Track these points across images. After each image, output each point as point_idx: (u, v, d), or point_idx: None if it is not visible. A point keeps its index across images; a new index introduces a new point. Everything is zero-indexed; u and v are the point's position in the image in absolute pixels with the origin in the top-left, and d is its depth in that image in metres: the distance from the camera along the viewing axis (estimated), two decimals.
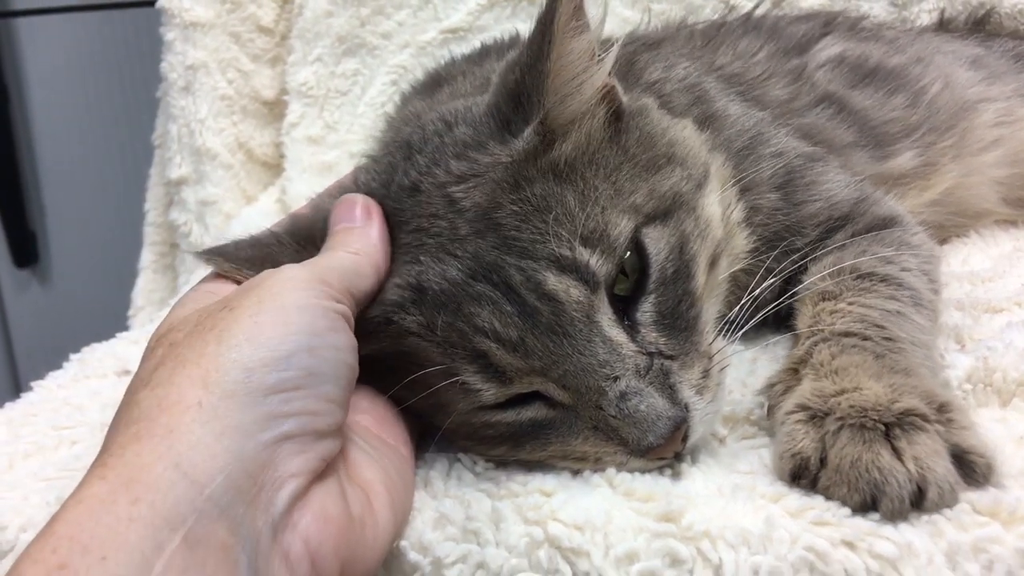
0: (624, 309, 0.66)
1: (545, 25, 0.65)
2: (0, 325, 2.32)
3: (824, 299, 0.76)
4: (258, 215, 1.48)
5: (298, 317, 0.56)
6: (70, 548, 0.42)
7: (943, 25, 1.44)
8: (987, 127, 1.16)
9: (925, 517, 0.56)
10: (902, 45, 1.23)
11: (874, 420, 0.59)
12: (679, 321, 0.67)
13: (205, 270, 0.71)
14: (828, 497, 0.58)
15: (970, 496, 0.57)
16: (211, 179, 1.53)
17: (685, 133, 0.79)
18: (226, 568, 0.45)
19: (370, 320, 0.67)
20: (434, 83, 1.00)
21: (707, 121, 0.87)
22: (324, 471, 0.55)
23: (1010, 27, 1.45)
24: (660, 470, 0.65)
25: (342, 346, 0.58)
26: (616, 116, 0.73)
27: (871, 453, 0.57)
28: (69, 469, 0.74)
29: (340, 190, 0.78)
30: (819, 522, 0.56)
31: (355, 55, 1.60)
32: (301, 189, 1.47)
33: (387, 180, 0.73)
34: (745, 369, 0.80)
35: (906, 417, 0.59)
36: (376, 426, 0.66)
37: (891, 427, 0.59)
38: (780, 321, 0.81)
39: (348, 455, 0.59)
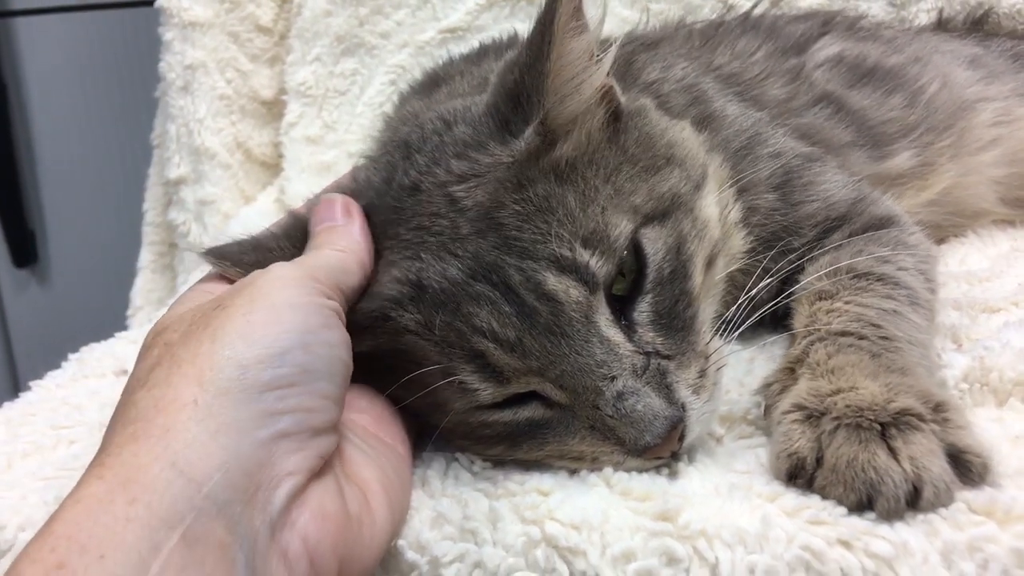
0: (621, 309, 0.66)
1: (545, 25, 0.65)
2: None
3: (821, 298, 0.77)
4: (257, 215, 1.48)
5: (291, 315, 0.56)
6: (68, 547, 0.42)
7: (941, 25, 1.44)
8: (985, 127, 1.16)
9: (921, 516, 0.56)
10: (900, 45, 1.23)
11: (870, 420, 0.59)
12: (676, 321, 0.67)
13: (204, 270, 0.71)
14: (824, 497, 0.58)
15: (966, 495, 0.57)
16: (210, 179, 1.53)
17: (684, 134, 0.79)
18: (224, 566, 0.45)
19: (367, 314, 0.67)
20: (432, 83, 1.00)
21: (705, 121, 0.87)
22: (321, 469, 0.55)
23: (1008, 27, 1.45)
24: (657, 469, 0.65)
25: (335, 342, 0.59)
26: (615, 116, 0.73)
27: (867, 453, 0.57)
28: (67, 468, 0.74)
29: (338, 190, 0.78)
30: (815, 521, 0.56)
31: (354, 55, 1.60)
32: (299, 189, 1.47)
33: (387, 179, 0.73)
34: (742, 369, 0.80)
35: (902, 417, 0.59)
36: (374, 425, 0.66)
37: (887, 427, 0.59)
38: (777, 321, 0.81)
39: (345, 454, 0.59)
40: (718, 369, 0.69)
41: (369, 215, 0.72)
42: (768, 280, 0.77)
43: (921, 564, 0.53)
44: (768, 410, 0.69)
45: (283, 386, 0.53)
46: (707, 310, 0.73)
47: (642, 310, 0.67)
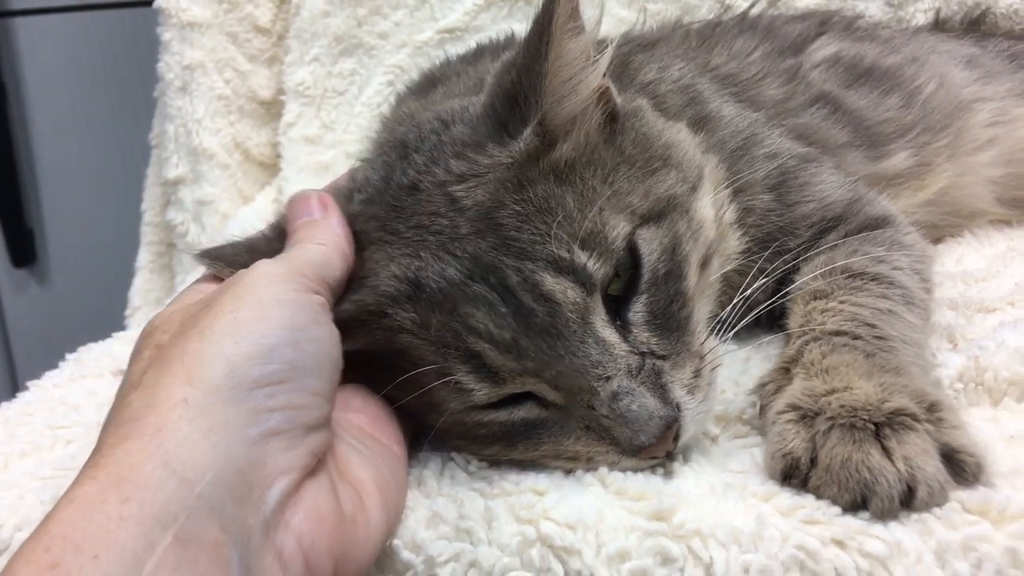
0: (616, 309, 0.66)
1: (543, 26, 0.65)
2: None
3: (815, 298, 0.77)
4: (255, 215, 1.48)
5: (278, 311, 0.56)
6: (63, 547, 0.42)
7: (939, 25, 1.44)
8: (982, 127, 1.16)
9: (915, 516, 0.56)
10: (897, 45, 1.23)
11: (864, 420, 0.59)
12: (671, 321, 0.67)
13: (202, 270, 0.71)
14: (819, 496, 0.58)
15: (960, 495, 0.57)
16: (208, 179, 1.53)
17: (680, 136, 0.79)
18: (218, 566, 0.45)
19: (364, 308, 0.67)
20: (429, 84, 1.01)
21: (701, 122, 0.87)
22: (315, 469, 0.55)
23: (1005, 27, 1.45)
24: (652, 469, 0.65)
25: (324, 338, 0.58)
26: (611, 118, 0.73)
27: (861, 453, 0.57)
28: (64, 468, 0.74)
29: (335, 191, 0.78)
30: (810, 521, 0.56)
31: (352, 55, 1.60)
32: (298, 189, 1.46)
33: (385, 177, 0.73)
34: (738, 368, 0.80)
35: (896, 417, 0.59)
36: (369, 425, 0.66)
37: (881, 427, 0.59)
38: (773, 320, 0.81)
39: (340, 454, 0.59)
40: (713, 369, 0.69)
41: (368, 212, 0.71)
42: (763, 280, 0.78)
43: (915, 563, 0.53)
44: (763, 410, 0.69)
45: (272, 383, 0.53)
46: (702, 310, 0.73)
47: (637, 310, 0.67)
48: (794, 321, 0.76)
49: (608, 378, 0.63)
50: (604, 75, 0.73)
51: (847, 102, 1.07)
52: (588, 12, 0.70)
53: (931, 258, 0.91)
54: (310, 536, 0.52)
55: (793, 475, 0.60)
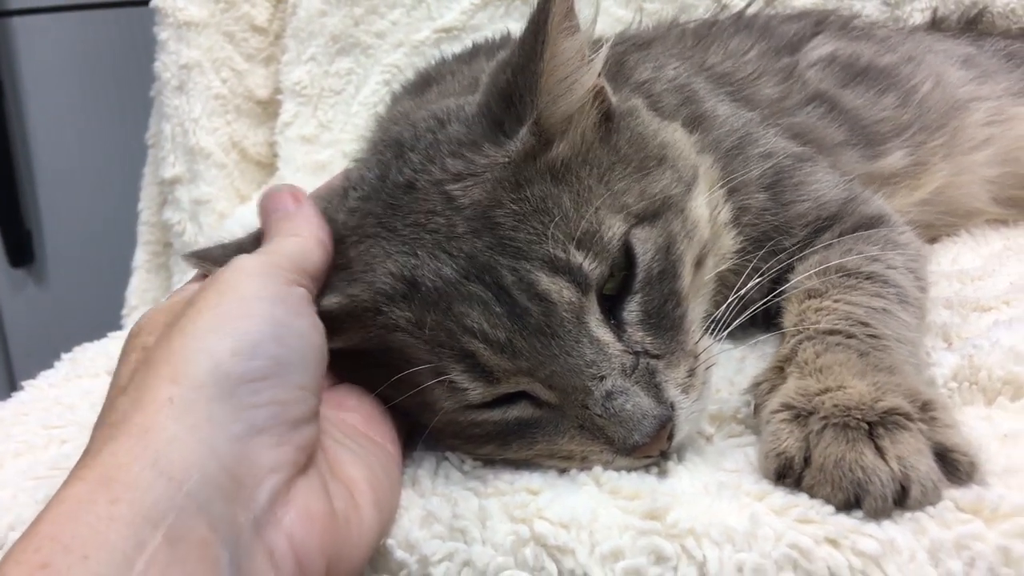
0: (610, 308, 0.66)
1: (538, 25, 0.65)
2: None
3: (810, 297, 0.77)
4: (252, 214, 1.45)
5: (260, 306, 0.56)
6: (52, 548, 0.42)
7: (935, 24, 1.44)
8: (978, 126, 1.17)
9: (908, 515, 0.56)
10: (893, 44, 1.23)
11: (857, 419, 0.59)
12: (665, 320, 0.67)
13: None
14: (812, 495, 0.58)
15: (953, 494, 0.57)
16: (205, 178, 1.53)
17: (676, 135, 0.79)
18: (208, 564, 0.45)
19: (358, 303, 0.67)
20: (424, 83, 1.01)
21: (696, 121, 0.87)
22: (306, 467, 0.55)
23: (1002, 26, 1.45)
24: (646, 468, 0.65)
25: (307, 331, 0.58)
26: (606, 117, 0.73)
27: (854, 452, 0.57)
28: (59, 468, 0.74)
29: (329, 191, 0.78)
30: (803, 520, 0.56)
31: (349, 54, 1.60)
32: None
33: (381, 176, 0.72)
34: (733, 368, 0.80)
35: (889, 416, 0.59)
36: (363, 424, 0.66)
37: (874, 426, 0.59)
38: (769, 320, 0.81)
39: (332, 453, 0.59)
40: (707, 368, 0.69)
41: (364, 208, 0.71)
42: (758, 279, 0.78)
43: (908, 562, 0.53)
44: (757, 409, 0.69)
45: (256, 379, 0.53)
46: (696, 309, 0.73)
47: (631, 310, 0.67)
48: (788, 320, 0.76)
49: (602, 377, 0.63)
50: (599, 74, 0.73)
51: (843, 101, 1.07)
52: (584, 12, 0.70)
53: (925, 257, 0.91)
54: (301, 535, 0.51)
55: (787, 474, 0.60)
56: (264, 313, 0.56)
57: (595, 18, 0.72)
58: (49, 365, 1.04)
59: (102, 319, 1.50)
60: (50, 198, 2.23)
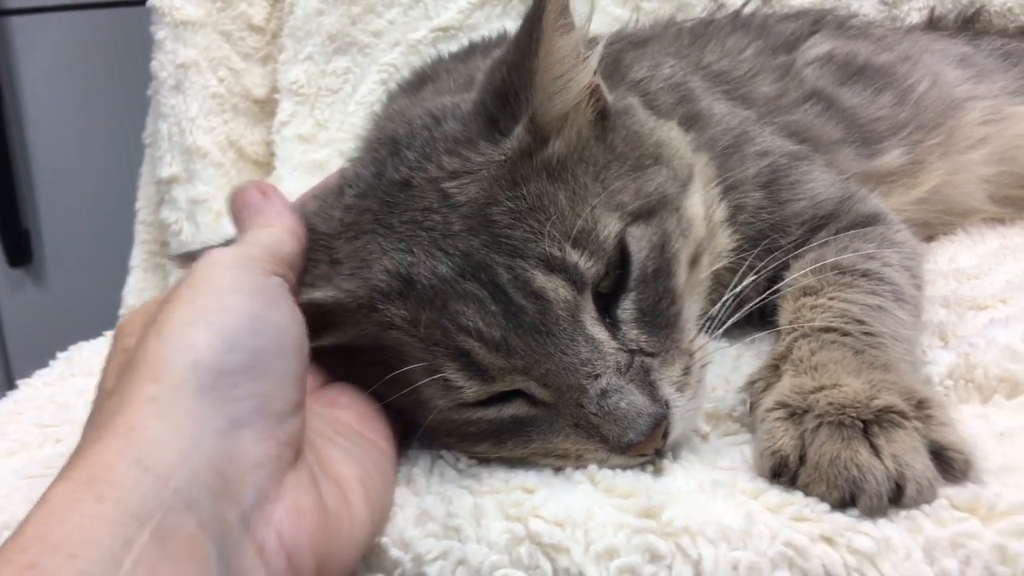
0: (605, 306, 0.66)
1: (533, 23, 0.65)
2: None
3: (805, 295, 0.77)
4: None
5: (234, 299, 0.55)
6: (39, 548, 0.42)
7: (933, 23, 1.45)
8: (974, 125, 1.17)
9: (903, 513, 0.56)
10: (890, 43, 1.23)
11: (852, 417, 0.59)
12: (660, 319, 0.67)
13: None
14: (808, 494, 0.58)
15: (949, 492, 0.57)
16: (202, 177, 1.53)
17: (671, 134, 0.79)
18: (196, 561, 0.45)
19: (353, 298, 0.66)
20: (420, 81, 1.01)
21: (692, 120, 0.87)
22: (295, 463, 0.55)
23: (999, 25, 1.45)
24: (642, 466, 0.65)
25: (284, 322, 0.57)
26: (602, 115, 0.73)
27: (849, 451, 0.57)
28: (53, 467, 0.72)
29: (324, 190, 0.78)
30: (798, 518, 0.56)
31: (346, 53, 1.60)
32: (292, 187, 1.46)
33: (376, 173, 0.72)
34: (729, 366, 0.80)
35: (884, 414, 0.59)
36: (357, 422, 0.65)
37: (869, 424, 0.59)
38: (764, 318, 0.81)
39: (322, 451, 0.59)
40: (703, 366, 0.69)
41: (360, 205, 0.71)
42: (754, 277, 0.78)
43: (903, 560, 0.53)
44: (753, 407, 0.69)
45: (236, 372, 0.52)
46: (692, 308, 0.73)
47: (626, 308, 0.67)
48: (784, 318, 0.76)
49: (597, 376, 0.63)
50: (595, 72, 0.73)
51: (840, 99, 1.07)
52: (580, 10, 0.70)
53: (921, 255, 0.91)
54: (292, 531, 0.51)
55: (782, 473, 0.60)
56: (240, 305, 0.55)
57: (590, 15, 0.72)
58: (47, 365, 1.04)
59: (100, 318, 1.49)
60: (48, 198, 2.23)
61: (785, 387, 0.65)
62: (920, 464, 0.57)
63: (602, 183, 0.68)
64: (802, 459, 0.59)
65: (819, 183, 0.90)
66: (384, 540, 0.60)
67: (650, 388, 0.63)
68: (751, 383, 0.72)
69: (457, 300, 0.64)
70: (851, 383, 0.62)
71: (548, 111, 0.68)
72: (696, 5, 1.51)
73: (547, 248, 0.63)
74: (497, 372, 0.64)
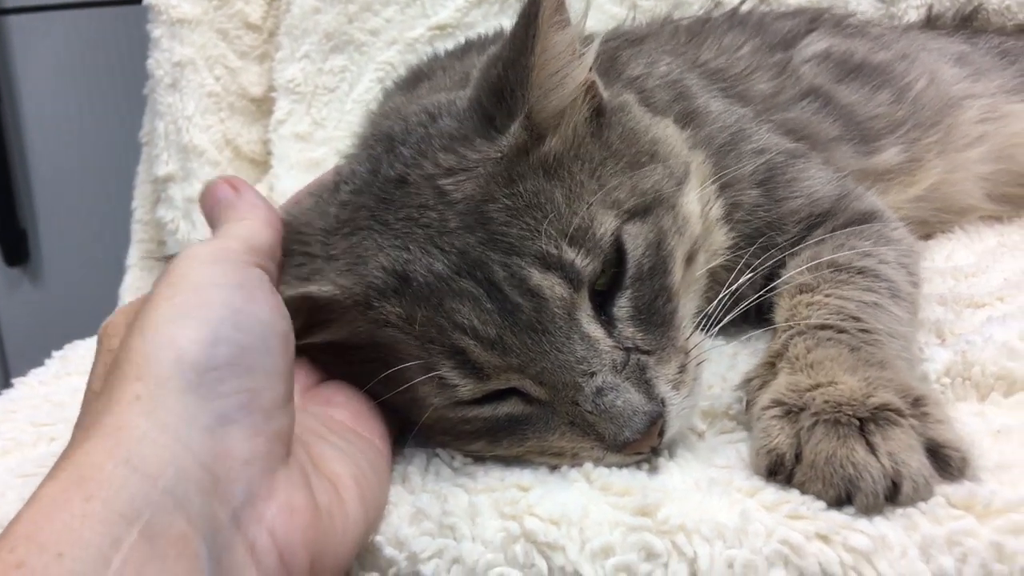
0: (601, 304, 0.66)
1: (529, 19, 0.65)
2: None
3: (801, 292, 0.76)
4: None
5: (215, 293, 0.55)
6: (27, 547, 0.42)
7: (931, 22, 1.45)
8: (972, 123, 1.17)
9: (900, 511, 0.55)
10: (887, 42, 1.23)
11: (848, 415, 0.59)
12: (655, 316, 0.67)
13: None
14: (804, 492, 0.58)
15: (945, 490, 0.57)
16: (198, 176, 1.53)
17: (668, 132, 0.79)
18: (186, 560, 0.45)
19: (349, 294, 0.66)
20: (415, 78, 1.00)
21: (688, 117, 0.87)
22: (286, 460, 0.54)
23: (997, 23, 1.45)
24: (637, 464, 0.65)
25: (267, 316, 0.56)
26: (598, 112, 0.73)
27: (845, 449, 0.57)
28: (47, 466, 0.71)
29: (320, 186, 0.77)
30: (794, 516, 0.56)
31: (343, 52, 1.60)
32: (288, 186, 1.46)
33: (372, 170, 0.72)
34: (725, 364, 0.79)
35: (881, 412, 0.59)
36: (351, 419, 0.65)
37: (866, 422, 0.58)
38: (761, 315, 0.81)
39: (315, 449, 0.59)
40: (698, 364, 0.68)
41: (356, 201, 0.70)
42: (750, 275, 0.77)
43: (899, 558, 0.53)
44: (749, 405, 0.69)
45: (220, 366, 0.51)
46: (688, 306, 0.73)
47: (622, 305, 0.66)
48: (780, 315, 0.76)
49: (592, 374, 0.62)
50: (591, 69, 0.72)
51: (838, 97, 1.07)
52: (576, 7, 0.70)
53: (918, 253, 0.91)
54: (283, 529, 0.51)
55: (778, 471, 0.60)
56: (221, 299, 0.54)
57: (586, 11, 0.72)
58: (44, 364, 1.04)
59: (97, 317, 1.48)
60: (45, 197, 2.22)
61: (781, 385, 0.65)
62: (916, 462, 0.56)
63: (598, 180, 0.68)
64: (798, 457, 0.59)
65: (816, 181, 0.90)
66: (379, 538, 0.60)
67: (646, 386, 0.63)
68: (747, 381, 0.71)
69: (453, 298, 0.64)
70: (847, 380, 0.62)
71: (544, 108, 0.68)
72: (693, 3, 1.51)
73: (543, 246, 0.63)
74: (492, 370, 0.64)
